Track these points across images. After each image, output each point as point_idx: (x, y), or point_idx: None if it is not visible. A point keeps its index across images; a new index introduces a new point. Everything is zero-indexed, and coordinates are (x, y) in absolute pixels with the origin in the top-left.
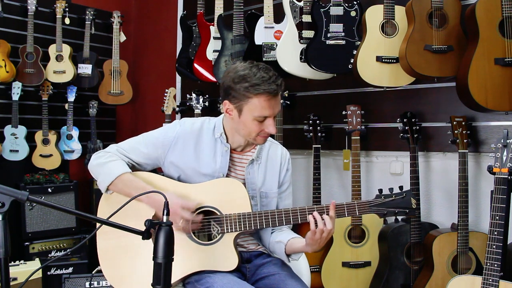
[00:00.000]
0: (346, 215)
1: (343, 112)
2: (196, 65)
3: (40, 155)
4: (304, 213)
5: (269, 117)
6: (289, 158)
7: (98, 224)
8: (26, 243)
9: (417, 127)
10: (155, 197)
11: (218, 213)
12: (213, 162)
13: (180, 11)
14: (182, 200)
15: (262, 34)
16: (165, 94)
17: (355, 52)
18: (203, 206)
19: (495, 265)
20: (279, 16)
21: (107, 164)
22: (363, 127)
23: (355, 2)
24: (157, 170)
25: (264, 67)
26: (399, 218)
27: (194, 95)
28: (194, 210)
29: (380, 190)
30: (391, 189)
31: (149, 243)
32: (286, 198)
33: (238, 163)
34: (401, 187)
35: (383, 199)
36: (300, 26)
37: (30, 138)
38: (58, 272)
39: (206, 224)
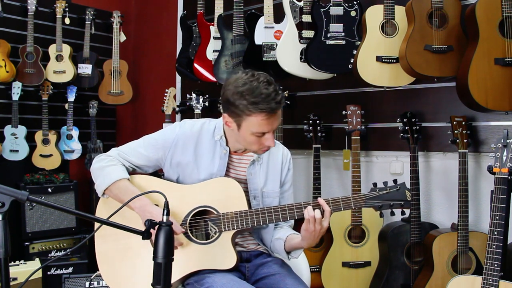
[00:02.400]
0: (342, 209)
1: (343, 112)
2: (196, 65)
3: (40, 155)
4: (300, 209)
5: (267, 133)
6: (290, 158)
7: (97, 225)
8: (26, 243)
9: (417, 127)
10: (145, 207)
11: (215, 212)
12: (211, 165)
13: (180, 11)
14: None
15: (262, 34)
16: (165, 94)
17: (355, 52)
18: (200, 206)
19: (495, 265)
20: (279, 16)
21: (106, 169)
22: (363, 127)
23: (355, 2)
24: (158, 171)
25: (265, 81)
26: (399, 216)
27: (194, 95)
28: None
29: (375, 184)
30: (385, 183)
31: (148, 245)
32: (288, 199)
33: (238, 164)
34: (395, 180)
35: (378, 192)
36: (300, 26)
37: (30, 138)
38: (58, 272)
39: (203, 224)
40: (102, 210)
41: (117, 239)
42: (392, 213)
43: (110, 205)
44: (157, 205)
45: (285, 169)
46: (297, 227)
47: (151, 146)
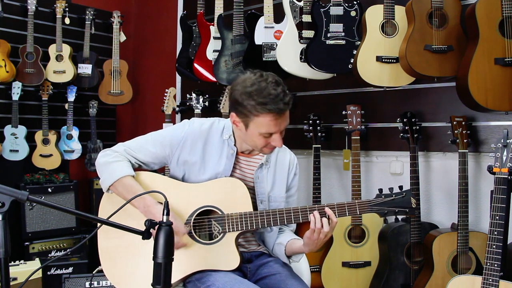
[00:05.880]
0: (347, 215)
1: (343, 112)
2: (196, 65)
3: (40, 155)
4: (305, 213)
5: (275, 133)
6: (297, 163)
7: (99, 224)
8: (26, 243)
9: (417, 127)
10: (149, 208)
11: (220, 213)
12: (218, 164)
13: (180, 11)
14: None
15: (262, 34)
16: (165, 94)
17: (355, 52)
18: (204, 205)
19: (495, 265)
20: (279, 16)
21: (111, 164)
22: (363, 127)
23: (355, 2)
24: (157, 171)
25: (273, 81)
26: (399, 217)
27: (194, 95)
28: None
29: (380, 190)
30: (391, 189)
31: (150, 242)
32: (292, 204)
33: (246, 166)
34: (400, 187)
35: (384, 198)
36: (300, 26)
37: (30, 138)
38: (58, 272)
39: (207, 224)
40: (105, 206)
41: (120, 235)
42: (397, 220)
43: (114, 201)
44: (160, 203)
45: (291, 174)
46: (298, 230)
47: (159, 143)
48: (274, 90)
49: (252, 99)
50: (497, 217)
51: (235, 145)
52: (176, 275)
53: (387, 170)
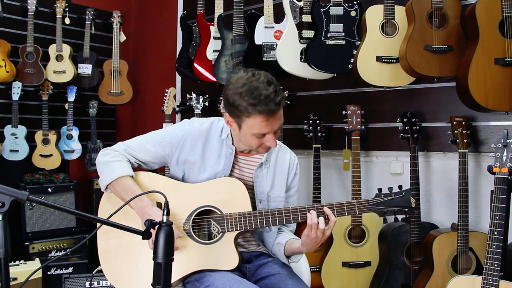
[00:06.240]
0: (346, 214)
1: (343, 112)
2: (196, 65)
3: (40, 155)
4: (304, 212)
5: (268, 133)
6: (297, 163)
7: (98, 224)
8: (26, 243)
9: (417, 127)
10: (145, 209)
11: (219, 213)
12: (217, 164)
13: (180, 11)
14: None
15: (262, 34)
16: (165, 94)
17: (355, 52)
18: (203, 205)
19: (495, 265)
20: (279, 16)
21: (111, 164)
22: (363, 127)
23: (355, 2)
24: (157, 170)
25: (265, 81)
26: (399, 217)
27: (194, 95)
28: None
29: (380, 190)
30: (390, 188)
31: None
32: (292, 204)
33: (245, 165)
34: (400, 186)
35: (383, 198)
36: (300, 26)
37: (30, 138)
38: (58, 272)
39: (206, 224)
40: (105, 205)
41: (120, 235)
42: (396, 219)
43: (113, 201)
44: (159, 203)
45: (291, 174)
46: (298, 230)
47: (158, 142)
48: (265, 90)
49: (243, 100)
50: (497, 217)
51: (233, 144)
52: (175, 275)
53: (387, 170)
